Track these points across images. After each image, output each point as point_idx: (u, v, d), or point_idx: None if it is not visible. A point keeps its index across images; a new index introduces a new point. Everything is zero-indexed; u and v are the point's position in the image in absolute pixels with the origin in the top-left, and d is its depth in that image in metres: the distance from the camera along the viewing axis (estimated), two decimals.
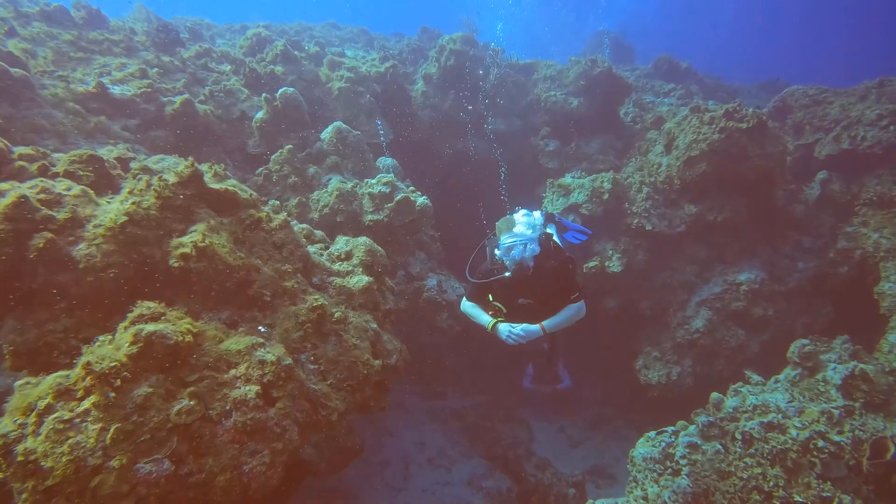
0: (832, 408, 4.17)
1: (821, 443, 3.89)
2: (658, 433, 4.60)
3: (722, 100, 10.22)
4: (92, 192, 3.04)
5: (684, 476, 4.17)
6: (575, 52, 11.50)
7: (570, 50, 14.73)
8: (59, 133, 4.66)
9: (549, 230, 4.78)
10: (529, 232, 3.78)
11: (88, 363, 2.18)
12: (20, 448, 2.08)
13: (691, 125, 6.60)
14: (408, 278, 6.24)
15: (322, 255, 3.81)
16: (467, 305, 4.21)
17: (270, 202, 4.18)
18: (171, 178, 3.09)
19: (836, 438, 3.89)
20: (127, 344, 2.31)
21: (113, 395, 2.16)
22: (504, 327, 3.84)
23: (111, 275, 2.77)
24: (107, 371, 2.19)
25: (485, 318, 4.01)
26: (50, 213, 2.77)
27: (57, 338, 2.69)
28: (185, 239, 2.89)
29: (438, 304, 6.22)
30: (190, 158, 3.22)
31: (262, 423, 2.38)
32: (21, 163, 3.19)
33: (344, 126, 6.45)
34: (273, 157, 6.01)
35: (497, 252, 3.84)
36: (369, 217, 5.39)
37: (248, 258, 3.07)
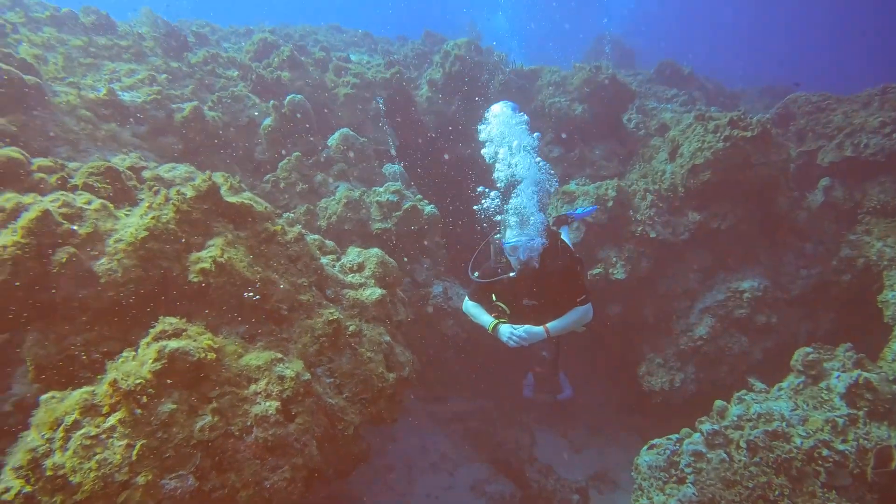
0: (836, 416, 4.21)
1: (825, 451, 3.94)
2: (662, 441, 4.65)
3: (724, 105, 10.28)
4: (111, 205, 3.08)
5: (689, 484, 4.23)
6: (575, 54, 11.55)
7: (570, 51, 14.77)
8: (71, 141, 4.69)
9: (556, 230, 4.55)
10: (536, 229, 3.59)
11: (115, 381, 2.22)
12: (49, 463, 2.13)
13: (696, 133, 6.65)
14: (414, 285, 6.28)
15: (334, 266, 3.85)
16: (469, 305, 4.03)
17: (285, 215, 4.22)
18: (189, 192, 3.13)
19: (841, 447, 3.94)
20: (150, 360, 2.36)
21: (139, 411, 2.20)
22: (505, 328, 3.67)
23: (131, 289, 2.82)
24: (133, 388, 2.23)
25: (486, 319, 3.85)
26: (72, 227, 2.82)
27: (78, 351, 2.74)
28: (203, 254, 2.94)
29: (444, 311, 6.26)
30: (207, 172, 3.26)
31: (283, 438, 2.43)
32: (40, 174, 3.23)
33: (351, 133, 6.50)
34: (281, 164, 6.05)
35: (506, 246, 3.62)
36: (377, 225, 5.43)
37: (264, 272, 3.11)
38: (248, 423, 2.43)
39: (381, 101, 7.58)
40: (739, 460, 4.22)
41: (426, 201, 5.81)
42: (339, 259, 4.04)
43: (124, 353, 2.46)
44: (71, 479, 2.10)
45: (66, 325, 2.76)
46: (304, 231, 3.48)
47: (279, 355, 2.70)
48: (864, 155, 6.95)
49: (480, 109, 8.51)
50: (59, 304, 2.76)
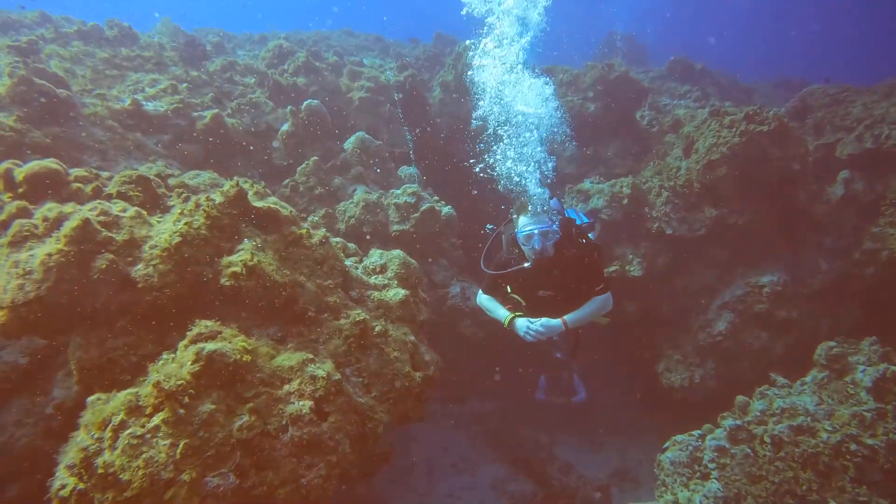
0: (863, 410, 4.16)
1: (853, 446, 3.90)
2: (684, 437, 4.64)
3: (738, 99, 10.18)
4: (145, 213, 3.19)
5: (714, 480, 4.23)
6: (587, 51, 11.50)
7: (583, 48, 14.71)
8: (100, 151, 4.84)
9: (570, 215, 4.36)
10: (549, 216, 3.45)
11: (158, 382, 2.31)
12: (100, 461, 2.23)
13: (711, 129, 6.62)
14: (431, 286, 6.35)
15: (357, 268, 3.93)
16: (484, 299, 3.92)
17: (310, 218, 4.30)
18: (218, 198, 3.23)
19: (870, 442, 3.90)
20: (189, 362, 2.45)
21: (182, 411, 2.29)
22: (522, 322, 3.54)
23: (167, 293, 2.92)
24: (174, 389, 2.32)
25: (501, 313, 3.73)
26: (110, 234, 2.93)
27: (118, 354, 2.84)
28: (234, 258, 3.03)
29: (462, 311, 6.32)
30: (235, 178, 3.36)
31: (318, 437, 2.50)
32: (77, 184, 3.36)
33: (367, 136, 6.59)
34: (299, 168, 6.15)
35: (519, 235, 3.48)
36: (395, 227, 5.50)
37: (292, 275, 3.19)
38: (284, 423, 2.51)
39: (389, 106, 7.67)
40: (764, 455, 4.20)
41: (443, 202, 5.87)
42: (361, 261, 4.12)
43: (164, 356, 2.56)
44: (121, 476, 2.19)
45: (106, 329, 2.87)
46: (328, 234, 3.56)
47: (310, 356, 2.78)
48: (886, 146, 6.84)
49: None
50: (100, 310, 2.87)
